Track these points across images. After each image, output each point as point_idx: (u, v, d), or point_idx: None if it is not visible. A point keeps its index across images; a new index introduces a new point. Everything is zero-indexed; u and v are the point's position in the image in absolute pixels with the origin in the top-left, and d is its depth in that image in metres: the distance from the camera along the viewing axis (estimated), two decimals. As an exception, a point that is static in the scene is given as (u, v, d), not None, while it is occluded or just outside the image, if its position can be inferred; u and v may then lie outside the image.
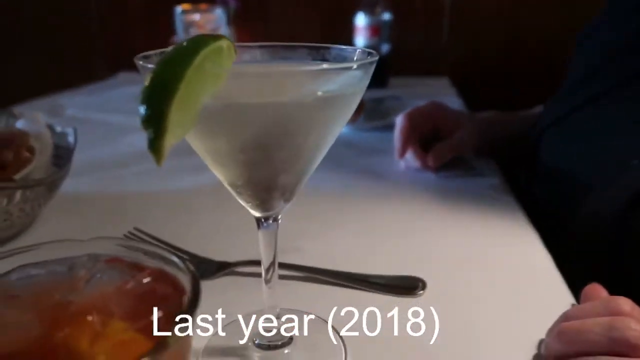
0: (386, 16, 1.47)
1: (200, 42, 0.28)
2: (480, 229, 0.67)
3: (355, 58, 0.37)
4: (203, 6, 1.22)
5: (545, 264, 0.59)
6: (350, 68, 0.33)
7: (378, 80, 1.48)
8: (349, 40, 1.50)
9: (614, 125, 0.68)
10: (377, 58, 0.34)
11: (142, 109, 0.26)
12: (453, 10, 1.65)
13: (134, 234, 0.62)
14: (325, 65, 0.32)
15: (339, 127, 0.36)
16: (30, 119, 0.71)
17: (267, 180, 0.36)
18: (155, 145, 0.26)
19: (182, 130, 0.28)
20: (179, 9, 1.20)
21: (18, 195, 0.59)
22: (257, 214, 0.40)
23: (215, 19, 1.19)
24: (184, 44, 0.29)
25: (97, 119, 1.20)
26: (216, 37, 0.30)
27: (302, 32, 1.69)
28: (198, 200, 0.76)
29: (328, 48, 0.39)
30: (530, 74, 1.63)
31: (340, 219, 0.70)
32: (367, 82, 0.35)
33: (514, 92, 1.59)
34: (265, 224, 0.40)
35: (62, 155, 0.70)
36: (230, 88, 0.31)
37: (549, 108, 0.83)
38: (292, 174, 0.36)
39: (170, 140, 0.27)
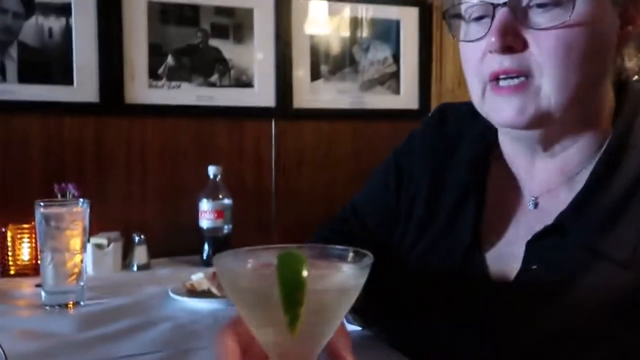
0: (227, 201, 1.69)
1: (300, 257, 0.46)
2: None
3: (349, 257, 0.57)
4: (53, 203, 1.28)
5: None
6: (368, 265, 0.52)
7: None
8: (194, 223, 1.67)
9: None
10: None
11: (286, 302, 0.42)
12: (277, 192, 1.96)
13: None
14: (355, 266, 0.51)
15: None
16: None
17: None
18: (296, 323, 0.42)
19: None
20: (40, 202, 1.25)
21: None
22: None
23: (81, 212, 1.27)
24: (291, 258, 0.45)
25: None
26: (299, 253, 0.47)
27: (142, 214, 1.80)
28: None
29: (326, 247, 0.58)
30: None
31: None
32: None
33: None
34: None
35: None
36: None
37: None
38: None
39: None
